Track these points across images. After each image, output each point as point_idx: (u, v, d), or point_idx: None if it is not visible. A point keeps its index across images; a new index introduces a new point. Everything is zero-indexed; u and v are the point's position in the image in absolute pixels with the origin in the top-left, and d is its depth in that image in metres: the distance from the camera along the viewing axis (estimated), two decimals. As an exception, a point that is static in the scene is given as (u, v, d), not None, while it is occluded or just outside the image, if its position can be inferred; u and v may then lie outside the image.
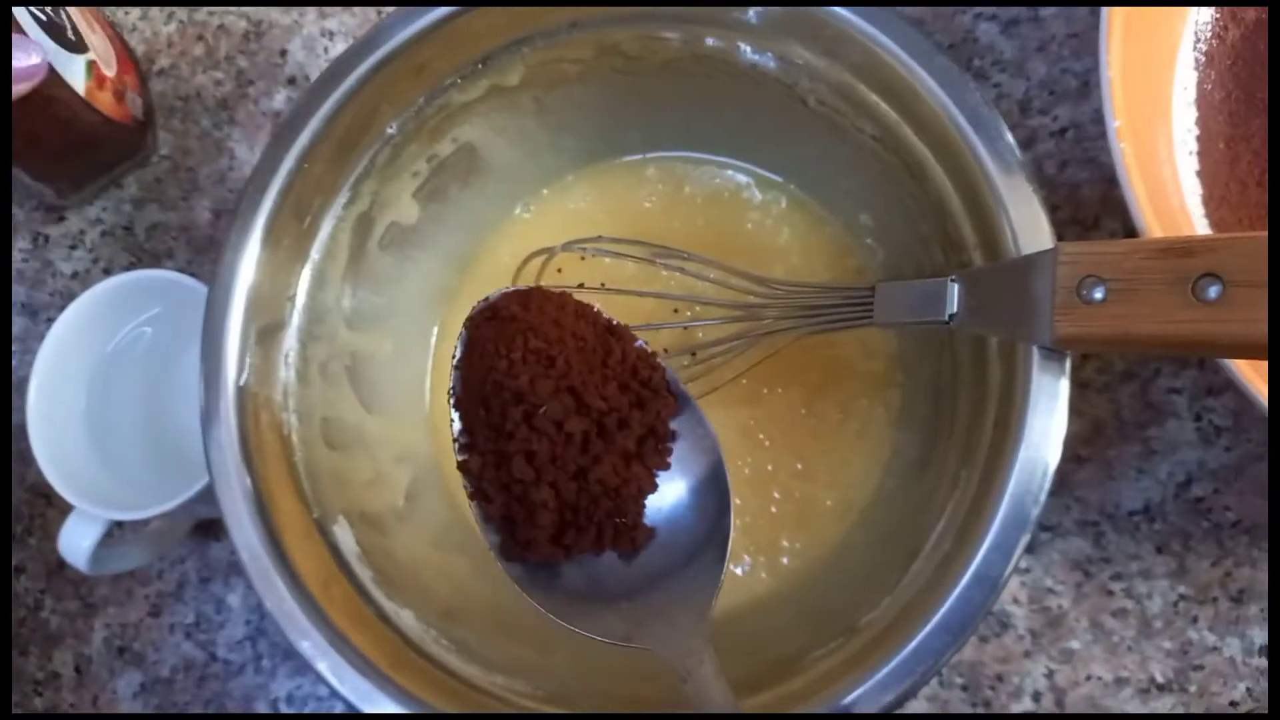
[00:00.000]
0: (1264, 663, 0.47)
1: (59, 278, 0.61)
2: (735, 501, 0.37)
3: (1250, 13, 0.48)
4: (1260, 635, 0.47)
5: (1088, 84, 0.53)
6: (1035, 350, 0.36)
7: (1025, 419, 0.36)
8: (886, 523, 0.46)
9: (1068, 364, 0.36)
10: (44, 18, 0.49)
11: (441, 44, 0.44)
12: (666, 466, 0.36)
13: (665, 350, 0.48)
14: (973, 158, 0.38)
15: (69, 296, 0.52)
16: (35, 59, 0.42)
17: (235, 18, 0.61)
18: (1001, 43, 0.54)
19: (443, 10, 0.43)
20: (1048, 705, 0.48)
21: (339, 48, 0.60)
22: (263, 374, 0.42)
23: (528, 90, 0.48)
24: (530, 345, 0.35)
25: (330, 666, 0.38)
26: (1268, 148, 0.46)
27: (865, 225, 0.50)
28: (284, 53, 0.61)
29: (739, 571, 0.48)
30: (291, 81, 0.60)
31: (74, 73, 0.51)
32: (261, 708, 0.54)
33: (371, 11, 0.60)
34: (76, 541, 0.48)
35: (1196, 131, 0.48)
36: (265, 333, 0.43)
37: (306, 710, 0.54)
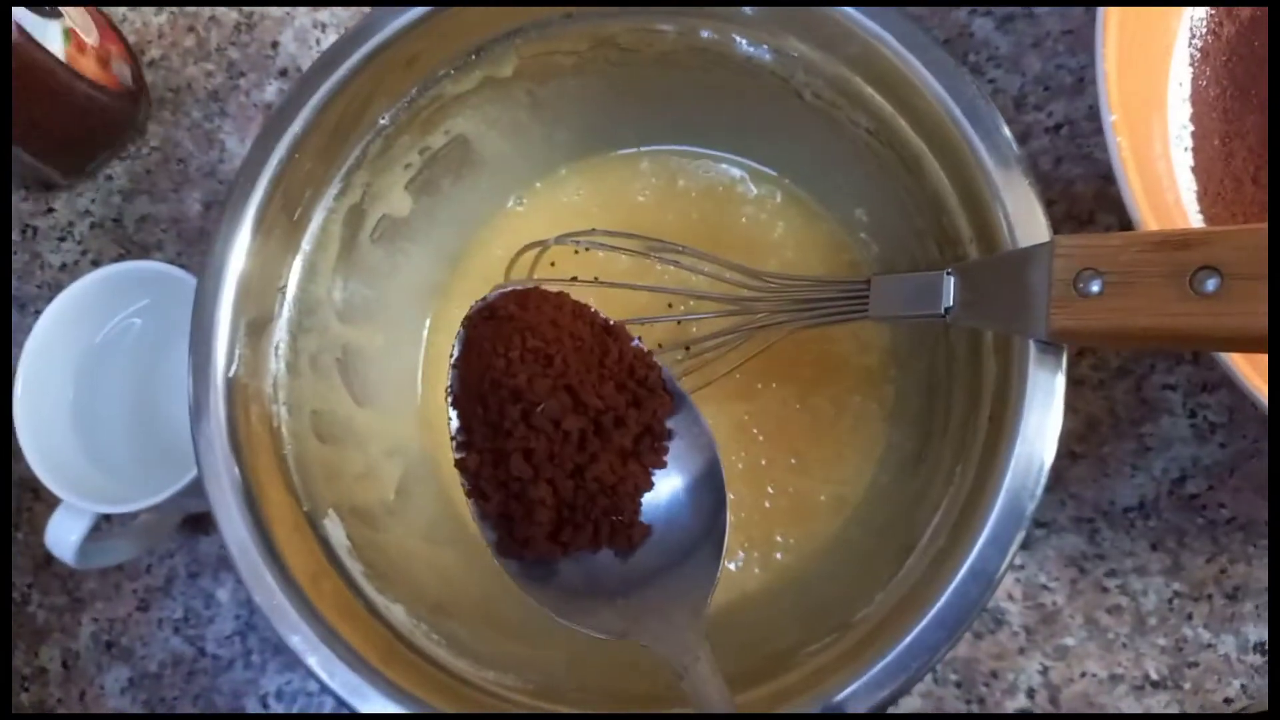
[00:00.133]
0: (1259, 660, 0.47)
1: (47, 269, 0.60)
2: (728, 498, 0.37)
3: (1245, 9, 0.48)
4: (1255, 632, 0.47)
5: (1083, 80, 0.53)
6: (1031, 344, 0.36)
7: (1021, 413, 0.36)
8: (881, 518, 0.46)
9: (1064, 358, 0.36)
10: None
11: (434, 34, 0.44)
12: (663, 465, 0.37)
13: (659, 345, 0.48)
14: (969, 151, 0.38)
15: (57, 288, 0.52)
16: None
17: (226, 9, 0.61)
18: (997, 38, 0.54)
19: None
20: (1042, 702, 0.48)
21: (331, 39, 0.59)
22: (252, 366, 0.42)
23: (521, 82, 0.47)
24: (528, 344, 0.36)
25: (320, 661, 0.37)
26: (1266, 142, 0.46)
27: (860, 220, 0.50)
28: (275, 45, 0.60)
29: (732, 567, 0.48)
30: (283, 74, 0.60)
31: (50, 37, 0.51)
32: (251, 703, 0.54)
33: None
34: (64, 535, 0.48)
35: (1191, 127, 0.48)
36: (255, 325, 0.42)
37: (296, 706, 0.53)
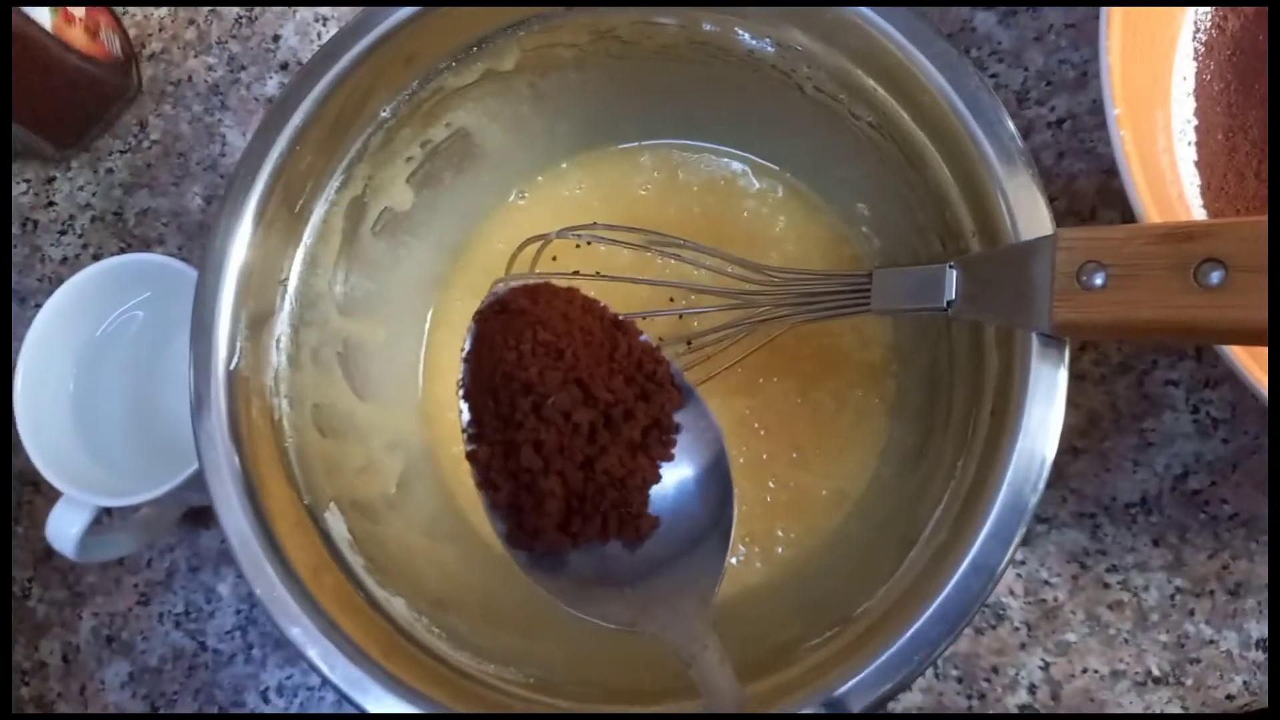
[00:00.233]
0: (1261, 656, 0.46)
1: (48, 263, 0.60)
2: (735, 491, 0.37)
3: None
4: (1257, 629, 0.47)
5: (1085, 75, 0.53)
6: (1034, 338, 0.35)
7: (1024, 407, 0.35)
8: (882, 512, 0.46)
9: (1066, 352, 0.36)
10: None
11: (435, 27, 0.43)
12: (670, 458, 0.37)
13: (660, 339, 0.48)
14: (971, 143, 0.38)
15: (58, 282, 0.52)
16: None
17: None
18: (999, 32, 0.54)
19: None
20: (1043, 698, 0.48)
21: (332, 33, 0.59)
22: (254, 359, 0.42)
23: (523, 75, 0.47)
24: (539, 338, 0.36)
25: (321, 654, 0.37)
26: (1267, 136, 0.46)
27: (862, 214, 0.50)
28: (277, 38, 0.60)
29: (734, 561, 0.47)
30: (284, 67, 0.60)
31: (38, 9, 0.52)
32: (251, 698, 0.54)
33: None
34: (64, 528, 0.48)
35: (1195, 122, 0.48)
36: (256, 318, 0.42)
37: (296, 701, 0.53)
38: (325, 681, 0.37)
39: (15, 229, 0.60)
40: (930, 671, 0.48)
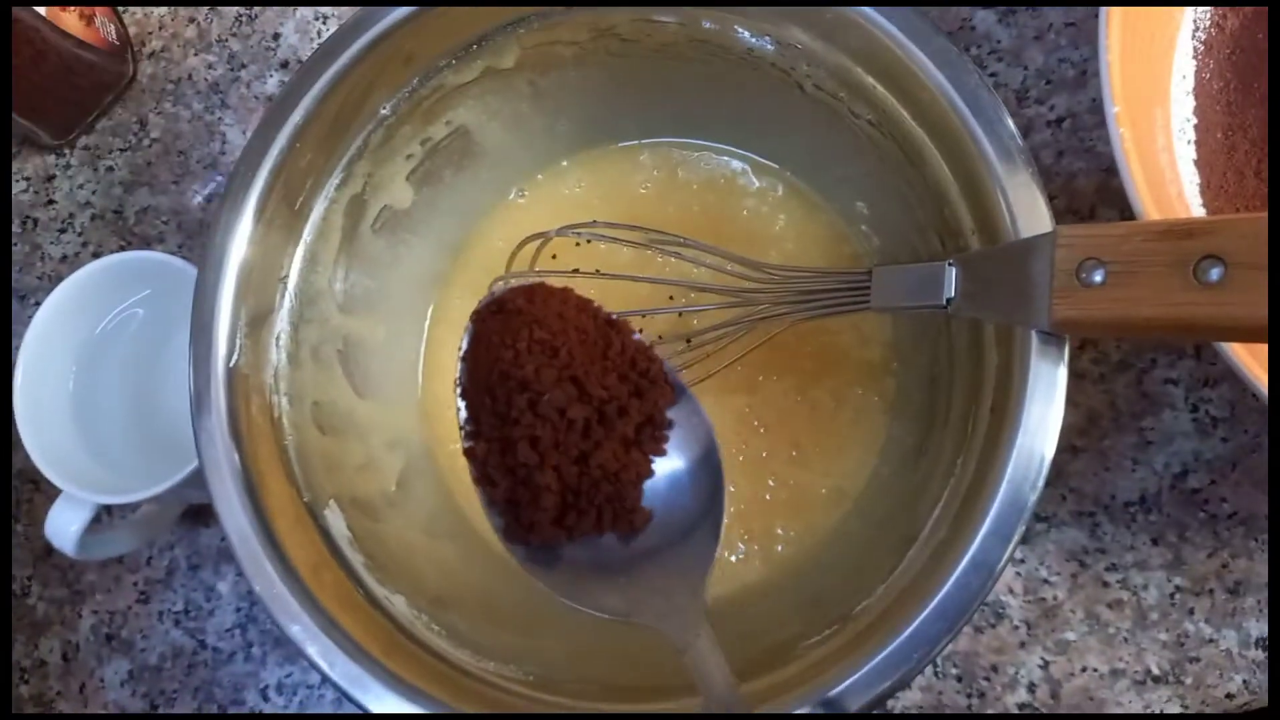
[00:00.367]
0: (1260, 655, 0.46)
1: (48, 261, 0.60)
2: (729, 489, 0.37)
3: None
4: (1256, 627, 0.47)
5: (1085, 73, 0.53)
6: (1033, 336, 0.35)
7: (1023, 405, 0.35)
8: (881, 510, 0.46)
9: (1066, 350, 0.36)
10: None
11: (435, 24, 0.43)
12: (663, 452, 0.37)
13: (660, 337, 0.48)
14: (971, 141, 0.38)
15: (57, 280, 0.52)
16: None
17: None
18: (999, 31, 0.54)
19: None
20: (1043, 696, 0.48)
21: (332, 31, 0.59)
22: (253, 357, 0.42)
23: (523, 73, 0.47)
24: (535, 336, 0.37)
25: (320, 651, 0.37)
26: (1267, 134, 0.46)
27: (861, 212, 0.50)
28: (277, 36, 0.60)
29: (733, 559, 0.47)
30: (284, 65, 0.60)
31: None
32: (251, 696, 0.54)
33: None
34: (64, 526, 0.48)
35: (1194, 120, 0.48)
36: (256, 315, 0.42)
37: (296, 699, 0.53)
38: (325, 679, 0.37)
39: (15, 227, 0.60)
40: (929, 670, 0.48)
